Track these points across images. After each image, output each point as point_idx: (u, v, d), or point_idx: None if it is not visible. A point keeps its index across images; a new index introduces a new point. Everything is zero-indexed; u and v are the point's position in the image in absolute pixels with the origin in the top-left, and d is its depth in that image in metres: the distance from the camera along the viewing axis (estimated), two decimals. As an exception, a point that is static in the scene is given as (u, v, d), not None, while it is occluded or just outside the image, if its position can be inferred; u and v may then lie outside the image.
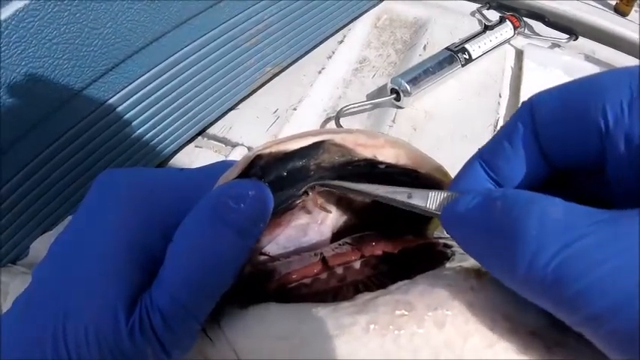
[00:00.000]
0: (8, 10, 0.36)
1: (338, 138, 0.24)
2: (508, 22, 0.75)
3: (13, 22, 0.37)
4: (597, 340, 0.16)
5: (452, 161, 0.26)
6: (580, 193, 0.21)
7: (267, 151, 0.23)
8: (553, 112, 0.20)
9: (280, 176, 0.24)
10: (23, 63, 0.39)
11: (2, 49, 0.37)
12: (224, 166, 0.26)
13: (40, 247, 0.49)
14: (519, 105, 0.21)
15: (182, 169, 0.30)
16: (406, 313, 0.20)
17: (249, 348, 0.23)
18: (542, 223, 0.17)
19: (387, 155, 0.25)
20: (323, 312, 0.21)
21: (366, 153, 0.24)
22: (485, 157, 0.22)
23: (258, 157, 0.24)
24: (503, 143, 0.21)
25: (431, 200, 0.22)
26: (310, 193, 0.26)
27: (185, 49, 0.53)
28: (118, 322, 0.22)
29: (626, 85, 0.18)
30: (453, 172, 0.24)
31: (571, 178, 0.22)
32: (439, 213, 0.22)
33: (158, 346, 0.22)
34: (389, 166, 0.25)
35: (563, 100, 0.20)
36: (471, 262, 0.23)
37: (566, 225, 0.16)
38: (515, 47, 0.77)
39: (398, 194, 0.23)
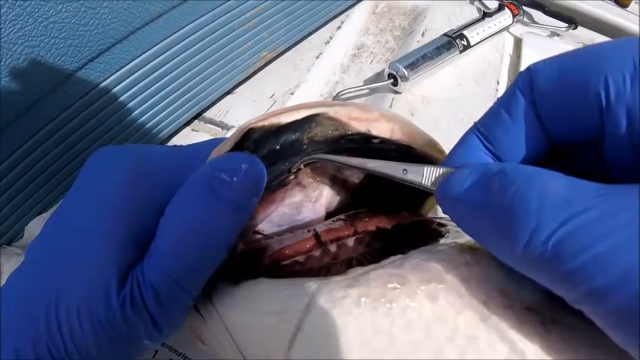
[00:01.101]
0: (4, -12, 0.36)
1: (331, 111, 0.24)
2: (507, 9, 0.75)
3: (9, 0, 0.36)
4: (597, 317, 0.16)
5: (449, 146, 0.25)
6: (579, 169, 0.20)
7: (261, 124, 0.23)
8: (552, 81, 0.19)
9: (273, 150, 0.24)
10: (20, 42, 0.38)
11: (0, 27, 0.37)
12: (218, 143, 0.26)
13: (36, 228, 0.49)
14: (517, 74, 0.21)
15: (175, 146, 0.30)
16: (398, 286, 0.20)
17: (240, 323, 0.23)
18: (543, 198, 0.16)
19: (381, 129, 0.24)
20: (314, 286, 0.21)
21: (360, 127, 0.24)
22: (482, 129, 0.21)
23: (252, 130, 0.23)
24: (501, 113, 0.21)
25: (426, 176, 0.22)
26: (303, 167, 0.26)
27: (181, 31, 0.53)
28: (109, 297, 0.22)
29: (629, 57, 0.17)
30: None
31: (570, 153, 0.21)
32: (435, 189, 0.21)
33: (150, 322, 0.22)
34: (383, 140, 0.25)
35: (563, 69, 0.19)
36: (465, 239, 0.22)
37: (568, 199, 0.16)
38: (514, 35, 0.77)
39: (393, 169, 0.22)
